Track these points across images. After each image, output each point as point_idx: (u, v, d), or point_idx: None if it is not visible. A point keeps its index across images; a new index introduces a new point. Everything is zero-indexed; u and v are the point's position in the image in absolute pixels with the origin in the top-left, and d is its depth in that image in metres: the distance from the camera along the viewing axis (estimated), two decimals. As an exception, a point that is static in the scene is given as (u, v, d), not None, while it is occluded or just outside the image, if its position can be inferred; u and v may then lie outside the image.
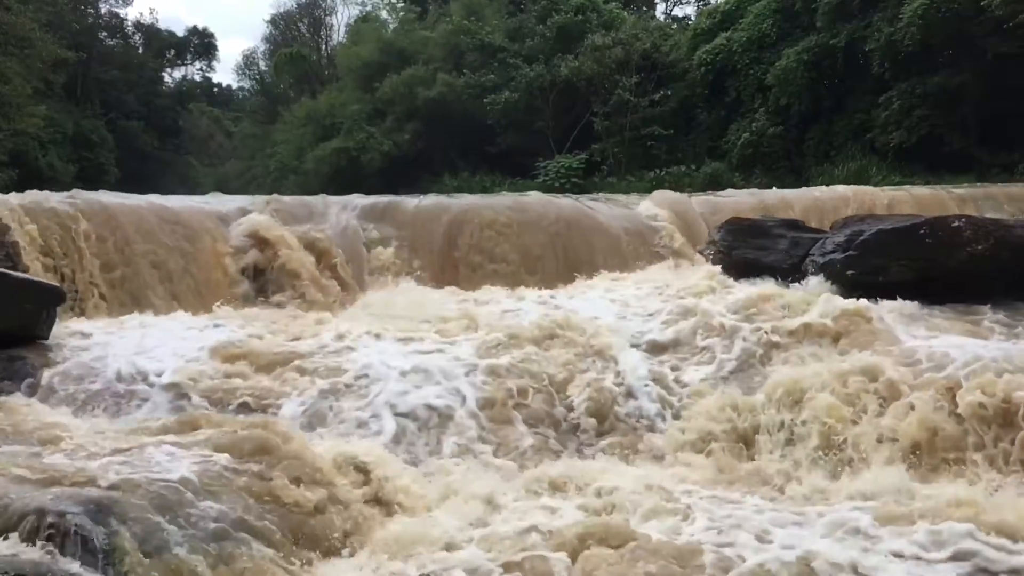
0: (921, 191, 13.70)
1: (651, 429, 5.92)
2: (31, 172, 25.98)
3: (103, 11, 44.22)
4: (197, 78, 56.79)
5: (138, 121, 42.81)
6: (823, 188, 14.52)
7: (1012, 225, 8.14)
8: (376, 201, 11.01)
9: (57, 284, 7.24)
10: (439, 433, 5.63)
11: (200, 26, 60.46)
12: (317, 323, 7.57)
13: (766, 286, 7.98)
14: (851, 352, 6.20)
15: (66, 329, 6.85)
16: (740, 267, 9.17)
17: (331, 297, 8.92)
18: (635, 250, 11.11)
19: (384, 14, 41.44)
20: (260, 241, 9.12)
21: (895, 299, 7.45)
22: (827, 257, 8.25)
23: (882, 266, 7.82)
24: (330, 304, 8.80)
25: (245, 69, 53.95)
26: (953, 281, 7.55)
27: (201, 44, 53.62)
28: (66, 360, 6.13)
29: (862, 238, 8.05)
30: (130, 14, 58.99)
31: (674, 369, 6.53)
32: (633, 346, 6.78)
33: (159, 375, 5.91)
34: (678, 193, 13.51)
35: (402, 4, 39.05)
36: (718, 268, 9.32)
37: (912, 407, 5.38)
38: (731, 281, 8.73)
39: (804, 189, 14.86)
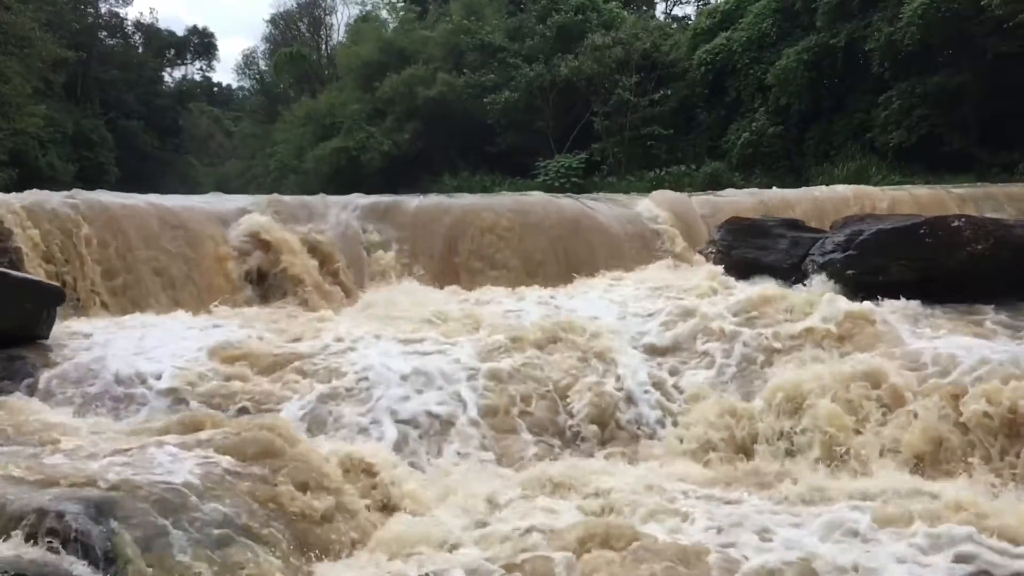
0: (921, 191, 13.67)
1: (652, 436, 5.85)
2: (31, 172, 25.94)
3: (103, 11, 44.26)
4: (197, 78, 56.92)
5: (138, 121, 42.76)
6: (823, 188, 14.50)
7: (1012, 225, 8.13)
8: (376, 201, 10.85)
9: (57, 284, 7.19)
10: (440, 441, 5.55)
11: (200, 26, 60.83)
12: (318, 322, 7.53)
13: (768, 287, 7.91)
14: (853, 355, 6.07)
15: (66, 329, 6.82)
16: (740, 267, 9.17)
17: (334, 303, 8.86)
18: (635, 250, 11.08)
19: (384, 14, 41.52)
20: (261, 243, 9.08)
21: (898, 299, 7.40)
22: (827, 257, 8.24)
23: (882, 266, 7.80)
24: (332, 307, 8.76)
25: (245, 69, 54.14)
26: (953, 281, 7.53)
27: (201, 44, 53.58)
28: (66, 360, 6.09)
29: (862, 238, 8.04)
30: (130, 14, 59.31)
31: (673, 373, 6.45)
32: (633, 348, 6.72)
33: (157, 378, 5.86)
34: (678, 193, 13.49)
35: (402, 4, 39.02)
36: (720, 268, 9.31)
37: (915, 416, 5.27)
38: (733, 281, 8.71)
39: (804, 189, 14.83)
